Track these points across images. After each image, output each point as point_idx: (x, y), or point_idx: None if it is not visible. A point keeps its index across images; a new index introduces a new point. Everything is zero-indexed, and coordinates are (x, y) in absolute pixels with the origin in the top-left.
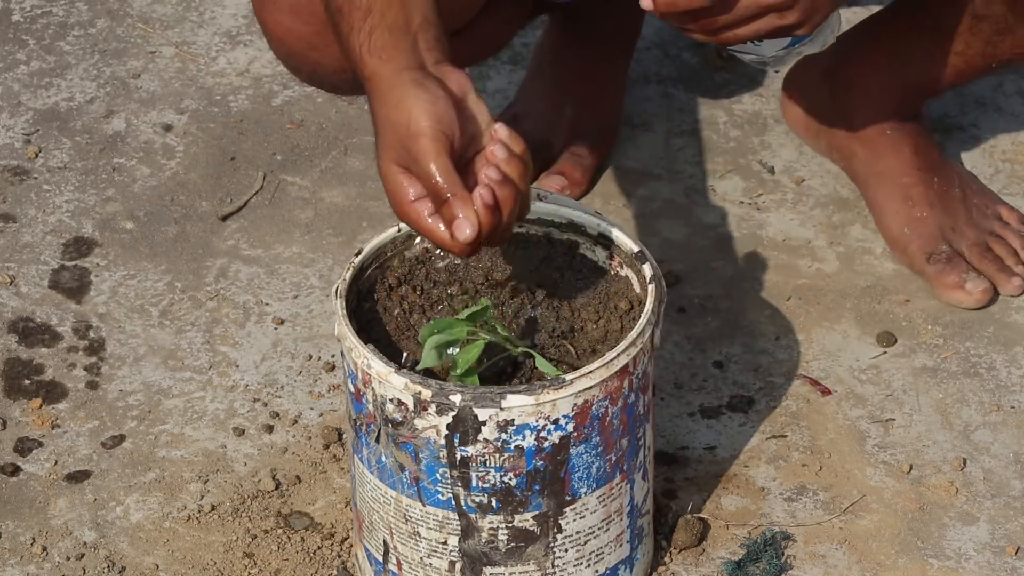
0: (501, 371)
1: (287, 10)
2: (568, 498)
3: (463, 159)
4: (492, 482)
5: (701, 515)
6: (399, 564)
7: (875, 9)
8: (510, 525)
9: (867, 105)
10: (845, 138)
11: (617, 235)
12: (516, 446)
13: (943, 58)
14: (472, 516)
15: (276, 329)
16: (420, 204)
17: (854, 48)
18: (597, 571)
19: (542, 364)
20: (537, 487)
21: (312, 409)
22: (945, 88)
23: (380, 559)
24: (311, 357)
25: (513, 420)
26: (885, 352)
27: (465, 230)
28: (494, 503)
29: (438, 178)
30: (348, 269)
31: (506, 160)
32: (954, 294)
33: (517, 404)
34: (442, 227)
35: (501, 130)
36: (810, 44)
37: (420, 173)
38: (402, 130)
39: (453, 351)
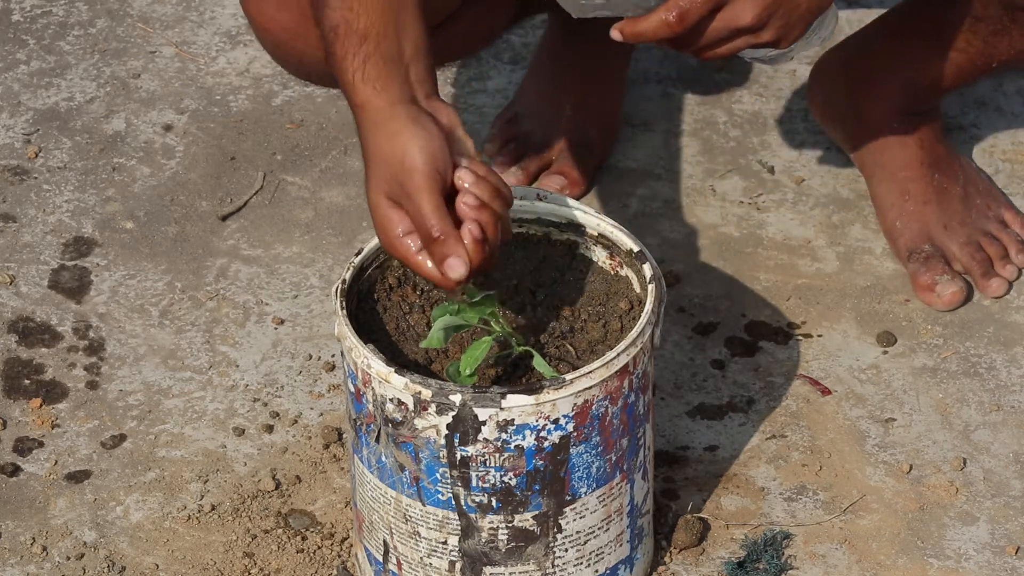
0: (500, 371)
1: (272, 0)
2: (568, 498)
3: (447, 191)
4: (492, 482)
5: (701, 515)
6: (399, 564)
7: (882, 7)
8: (510, 525)
9: (876, 99)
10: (856, 129)
11: (617, 235)
12: (516, 446)
13: (945, 57)
14: (472, 516)
15: (276, 329)
16: (410, 239)
17: (866, 44)
18: (597, 571)
19: (540, 364)
20: (537, 487)
21: (312, 409)
22: (950, 87)
23: (380, 559)
24: (311, 357)
25: (513, 420)
26: (885, 352)
27: (459, 270)
28: (494, 503)
29: (430, 217)
30: (348, 269)
31: (475, 182)
32: (924, 295)
33: (517, 404)
34: (430, 264)
35: (465, 174)
36: (805, 43)
37: (411, 210)
38: (396, 164)
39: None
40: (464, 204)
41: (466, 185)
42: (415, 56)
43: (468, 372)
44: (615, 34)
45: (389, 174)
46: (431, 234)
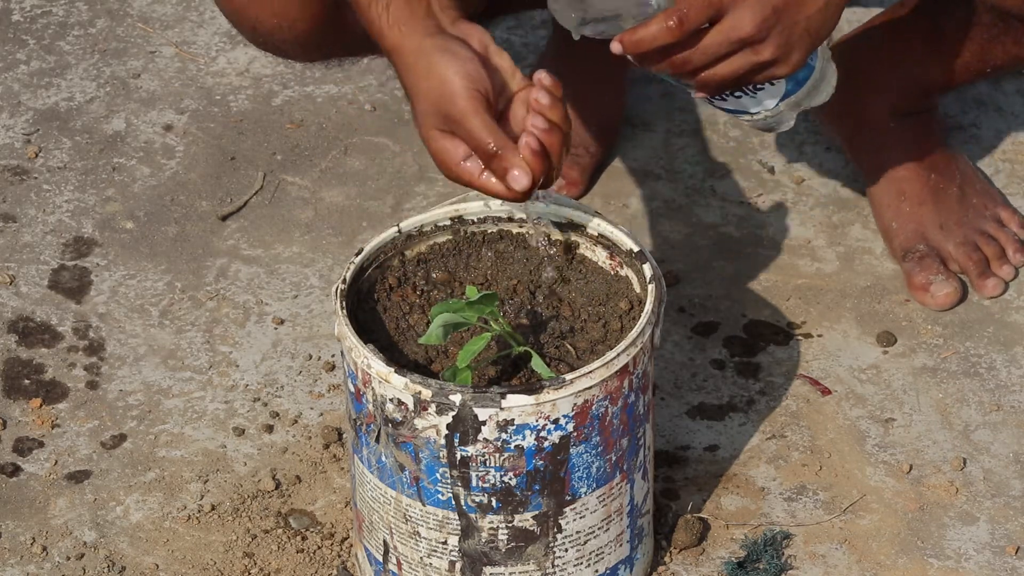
0: (500, 371)
1: None
2: (568, 498)
3: (497, 111)
4: (492, 482)
5: (701, 515)
6: (399, 564)
7: (881, 6)
8: (510, 525)
9: (874, 99)
10: (854, 129)
11: (617, 235)
12: (516, 446)
13: (942, 59)
14: (472, 516)
15: (276, 329)
16: (470, 163)
17: (864, 43)
18: (597, 571)
19: (538, 365)
20: (537, 487)
21: (312, 409)
22: (947, 87)
23: (380, 559)
24: (311, 357)
25: (513, 420)
26: (885, 352)
27: (522, 181)
28: (494, 503)
29: (483, 135)
30: (348, 269)
31: (549, 106)
32: (918, 295)
33: (517, 404)
34: (495, 181)
35: (544, 78)
36: (807, 98)
37: (464, 134)
38: (436, 96)
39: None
40: (533, 125)
41: (541, 105)
42: None
43: (463, 365)
44: (615, 47)
45: (433, 107)
46: (489, 151)
